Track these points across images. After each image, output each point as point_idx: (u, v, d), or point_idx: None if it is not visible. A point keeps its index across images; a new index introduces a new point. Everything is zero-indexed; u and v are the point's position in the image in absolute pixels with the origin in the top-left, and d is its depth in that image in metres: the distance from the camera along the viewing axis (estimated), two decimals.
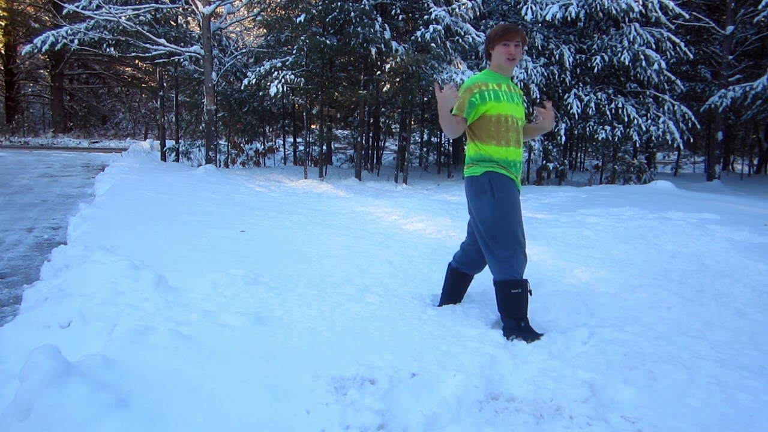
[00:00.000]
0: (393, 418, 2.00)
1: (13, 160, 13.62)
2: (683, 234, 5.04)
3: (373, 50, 11.08)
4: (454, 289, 3.32)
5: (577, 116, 12.42)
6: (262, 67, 11.68)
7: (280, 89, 11.03)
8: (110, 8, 11.52)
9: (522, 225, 2.92)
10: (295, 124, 16.60)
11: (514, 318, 2.84)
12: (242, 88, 12.51)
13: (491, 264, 2.92)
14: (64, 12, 12.04)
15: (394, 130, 16.34)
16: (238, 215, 6.24)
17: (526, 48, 12.18)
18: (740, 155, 22.28)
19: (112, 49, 12.80)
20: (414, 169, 17.12)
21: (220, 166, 13.99)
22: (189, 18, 15.05)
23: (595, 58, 12.25)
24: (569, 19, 11.81)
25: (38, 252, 4.73)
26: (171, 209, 6.23)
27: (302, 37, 11.75)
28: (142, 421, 1.77)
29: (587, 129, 12.68)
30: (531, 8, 11.87)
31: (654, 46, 12.40)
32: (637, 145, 13.79)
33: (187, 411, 1.89)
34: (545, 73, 12.32)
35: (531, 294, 2.91)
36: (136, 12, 11.95)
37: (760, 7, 12.30)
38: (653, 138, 12.60)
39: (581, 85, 12.95)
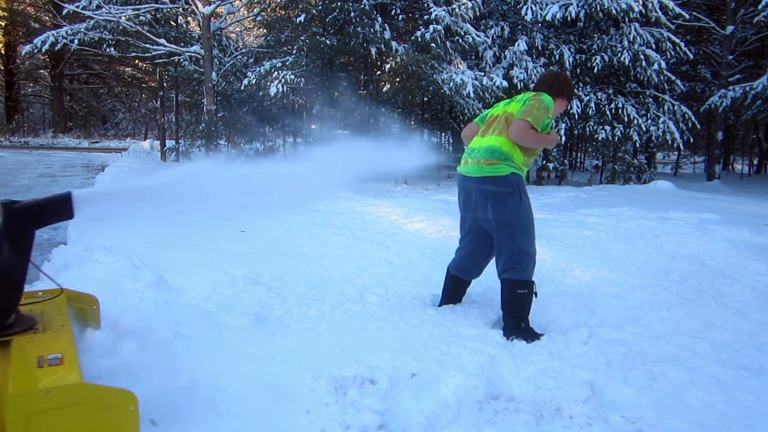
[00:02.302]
0: (393, 418, 2.00)
1: (13, 160, 13.62)
2: (683, 234, 5.04)
3: (373, 50, 11.08)
4: (453, 291, 3.33)
5: (577, 116, 12.41)
6: (262, 67, 11.68)
7: (280, 89, 11.03)
8: (110, 8, 11.51)
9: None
10: (295, 124, 16.60)
11: (516, 318, 2.85)
12: (242, 88, 12.51)
13: (504, 262, 2.91)
14: (64, 12, 12.03)
15: (394, 131, 16.33)
16: (238, 215, 6.23)
17: (525, 48, 12.18)
18: (740, 155, 22.26)
19: (112, 49, 12.79)
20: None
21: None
22: (189, 18, 15.04)
23: (595, 58, 12.25)
24: (569, 19, 11.81)
25: (38, 252, 4.73)
26: (171, 209, 6.22)
27: (302, 37, 11.74)
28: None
29: (587, 129, 12.68)
30: (531, 8, 11.87)
31: (654, 46, 12.39)
32: (637, 145, 13.78)
33: (186, 411, 1.89)
34: None
35: (536, 296, 2.91)
36: (136, 12, 11.95)
37: (760, 7, 12.30)
38: (653, 138, 12.60)
39: (581, 85, 12.94)
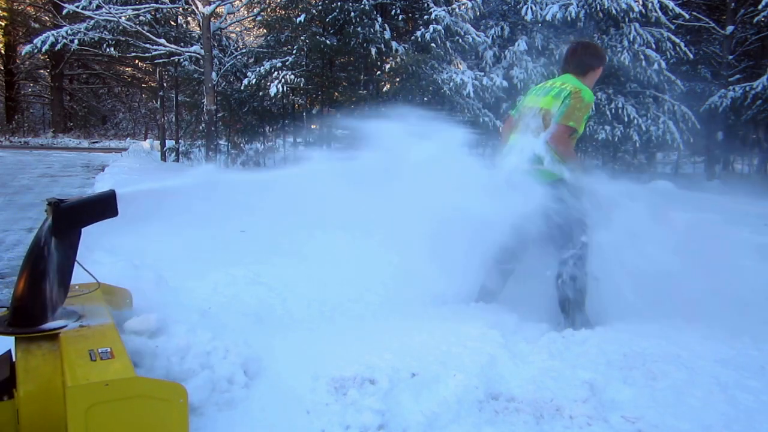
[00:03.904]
0: (393, 418, 2.00)
1: (13, 160, 13.62)
2: (683, 234, 5.03)
3: (373, 50, 11.07)
4: (491, 286, 3.31)
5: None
6: (262, 67, 11.67)
7: (280, 89, 11.02)
8: (110, 8, 11.51)
9: None
10: (295, 124, 16.58)
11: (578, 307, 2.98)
12: (242, 88, 12.50)
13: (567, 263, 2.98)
14: (64, 12, 12.03)
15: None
16: (238, 215, 6.23)
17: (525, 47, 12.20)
18: (740, 155, 22.20)
19: (112, 49, 12.78)
20: None
21: (220, 166, 13.97)
22: (189, 18, 15.03)
23: None
24: (569, 19, 11.80)
25: None
26: (171, 209, 6.22)
27: (302, 37, 11.74)
28: None
29: (587, 129, 12.67)
30: (531, 8, 11.87)
31: (654, 46, 12.39)
32: (637, 145, 13.77)
33: None
34: (545, 74, 12.31)
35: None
36: (136, 12, 11.94)
37: (760, 7, 12.30)
38: (653, 138, 12.59)
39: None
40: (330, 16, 11.24)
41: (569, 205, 2.90)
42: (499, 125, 9.64)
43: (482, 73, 11.43)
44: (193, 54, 12.49)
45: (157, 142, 18.09)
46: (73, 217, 1.89)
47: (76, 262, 1.99)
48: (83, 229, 2.00)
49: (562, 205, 2.88)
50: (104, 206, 1.96)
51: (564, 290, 3.01)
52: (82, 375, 1.52)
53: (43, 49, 12.10)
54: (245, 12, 15.11)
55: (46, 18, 23.93)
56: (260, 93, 12.74)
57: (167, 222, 5.35)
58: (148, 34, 12.13)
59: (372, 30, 10.82)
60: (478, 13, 11.87)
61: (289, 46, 12.96)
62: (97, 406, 1.47)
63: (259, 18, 14.40)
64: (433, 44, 10.85)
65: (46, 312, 1.86)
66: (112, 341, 1.73)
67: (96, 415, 1.47)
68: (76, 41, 12.10)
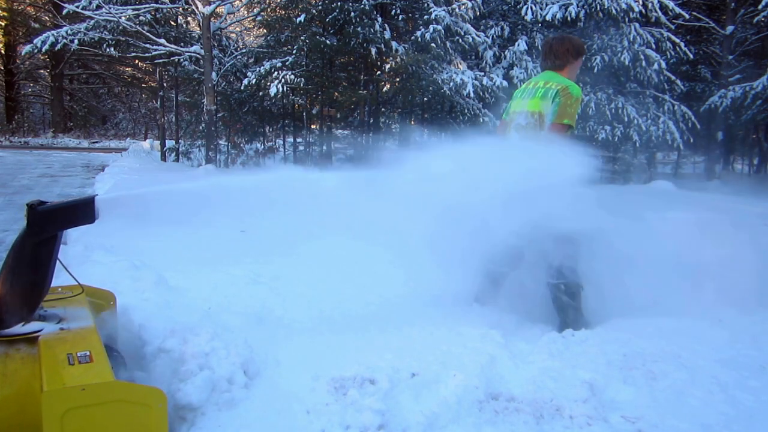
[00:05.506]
0: (393, 418, 2.00)
1: (13, 160, 13.62)
2: (683, 234, 5.03)
3: (373, 50, 11.08)
4: (488, 289, 3.31)
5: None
6: (262, 67, 11.68)
7: (280, 89, 11.03)
8: (110, 8, 11.51)
9: None
10: (295, 124, 16.58)
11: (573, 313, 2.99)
12: (242, 88, 12.50)
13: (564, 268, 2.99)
14: (64, 12, 12.03)
15: (394, 130, 16.33)
16: (238, 215, 6.23)
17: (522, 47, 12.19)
18: (740, 155, 22.21)
19: (112, 49, 12.79)
20: None
21: (220, 166, 13.98)
22: (189, 18, 15.04)
23: (595, 58, 12.24)
24: (569, 19, 11.80)
25: None
26: (171, 209, 6.21)
27: (302, 37, 11.75)
28: None
29: (587, 129, 12.67)
30: (531, 8, 11.87)
31: (654, 46, 12.39)
32: (637, 145, 13.78)
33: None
34: None
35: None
36: (136, 12, 11.95)
37: (760, 7, 12.29)
38: (653, 138, 12.60)
39: (581, 85, 12.92)
40: (330, 16, 11.24)
41: (562, 208, 2.89)
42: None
43: (482, 73, 11.43)
44: (193, 54, 12.49)
45: (157, 142, 18.09)
46: (48, 221, 1.87)
47: (59, 265, 1.97)
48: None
49: (554, 208, 2.88)
50: (82, 211, 1.93)
51: (558, 294, 2.99)
52: (58, 379, 1.50)
53: (43, 49, 12.10)
54: (245, 12, 15.12)
55: (46, 18, 23.91)
56: (260, 93, 12.74)
57: (167, 222, 5.35)
58: (148, 34, 12.13)
59: (372, 30, 10.83)
60: (478, 13, 11.87)
61: (289, 46, 12.96)
62: (74, 411, 1.45)
63: (259, 18, 14.40)
64: (433, 44, 10.84)
65: (25, 315, 1.85)
66: (91, 345, 1.71)
67: (72, 420, 1.45)
68: (76, 41, 12.10)
